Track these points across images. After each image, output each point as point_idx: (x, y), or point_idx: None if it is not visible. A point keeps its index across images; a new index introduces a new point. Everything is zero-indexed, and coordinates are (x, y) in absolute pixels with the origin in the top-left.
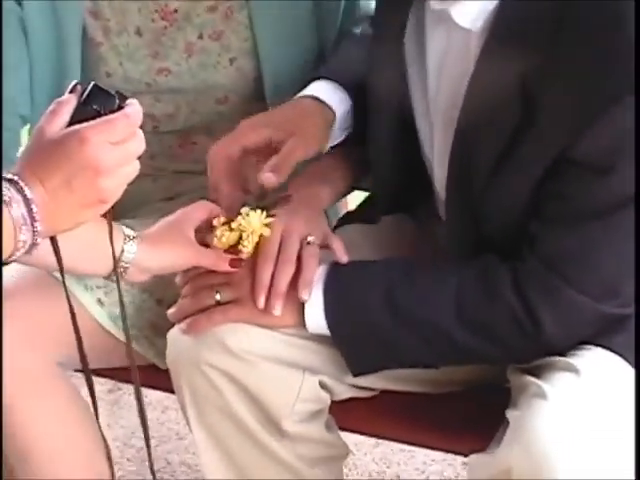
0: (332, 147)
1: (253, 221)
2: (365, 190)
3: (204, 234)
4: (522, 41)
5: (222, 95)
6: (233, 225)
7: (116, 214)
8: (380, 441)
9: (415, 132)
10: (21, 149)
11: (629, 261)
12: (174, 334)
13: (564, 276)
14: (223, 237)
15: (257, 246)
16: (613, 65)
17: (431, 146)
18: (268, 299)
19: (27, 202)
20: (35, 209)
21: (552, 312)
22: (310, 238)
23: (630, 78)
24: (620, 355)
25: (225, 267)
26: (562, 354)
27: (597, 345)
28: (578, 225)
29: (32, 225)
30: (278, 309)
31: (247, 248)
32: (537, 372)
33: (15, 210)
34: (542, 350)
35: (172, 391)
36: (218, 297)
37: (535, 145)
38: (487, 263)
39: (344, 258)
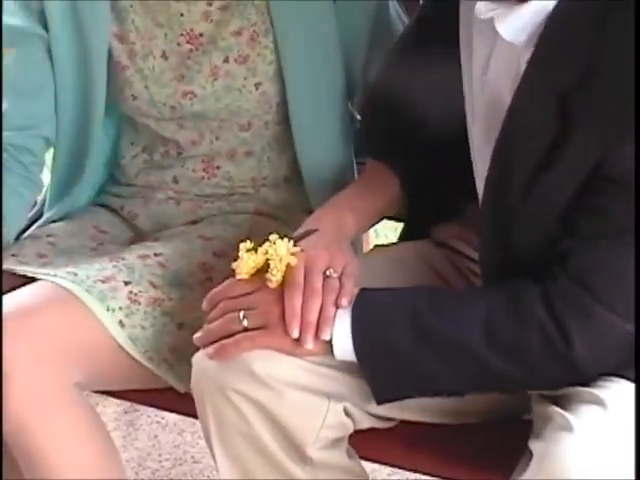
0: (359, 175)
1: (281, 249)
2: (397, 220)
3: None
4: (564, 56)
5: (245, 122)
6: (260, 250)
7: (140, 236)
8: (396, 470)
9: (462, 142)
10: (45, 171)
11: None
12: (199, 358)
13: (596, 294)
14: (250, 261)
15: (283, 275)
16: None
17: (474, 145)
18: (301, 330)
19: None
20: None
21: (584, 331)
22: (329, 271)
23: None
24: None
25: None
26: (588, 384)
27: (623, 377)
28: (609, 242)
29: None
30: (310, 343)
31: (276, 277)
32: (562, 403)
33: None
34: (573, 374)
35: (189, 414)
36: (245, 323)
37: (571, 159)
38: (517, 285)
39: (343, 302)
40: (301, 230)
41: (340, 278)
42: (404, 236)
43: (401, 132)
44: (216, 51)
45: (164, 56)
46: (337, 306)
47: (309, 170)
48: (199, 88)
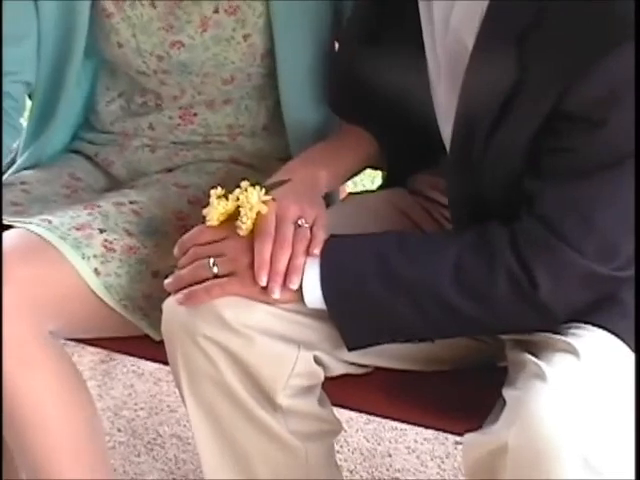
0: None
1: (252, 196)
2: (376, 168)
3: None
4: None
5: (229, 75)
6: (231, 197)
7: (115, 184)
8: (372, 418)
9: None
10: (26, 114)
11: (628, 221)
12: (170, 304)
13: (560, 234)
14: (220, 207)
15: (253, 223)
16: (606, 13)
17: (438, 104)
18: (269, 279)
19: None
20: None
21: (547, 270)
22: (301, 221)
23: (627, 26)
24: (621, 339)
25: None
26: (561, 331)
27: (598, 327)
28: (574, 181)
29: None
30: (277, 292)
31: (246, 224)
32: (536, 351)
33: None
34: (540, 315)
35: (165, 363)
36: (215, 270)
37: (530, 100)
38: (485, 227)
39: (315, 251)
40: (273, 179)
41: (312, 228)
42: (384, 186)
43: (370, 103)
44: (206, 1)
45: (152, 5)
46: (309, 255)
47: (292, 120)
48: (187, 38)
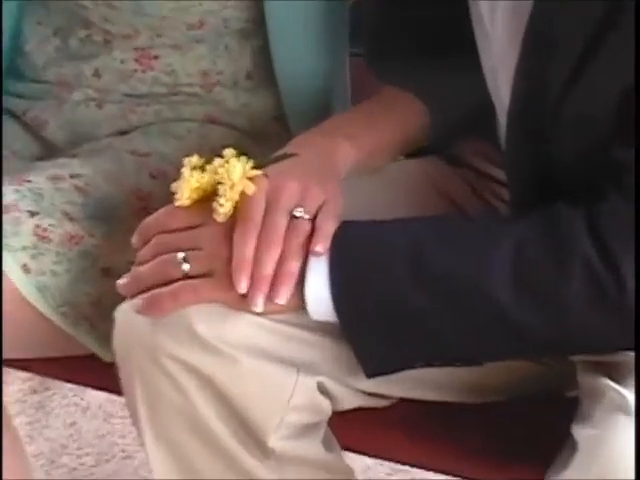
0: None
1: (235, 170)
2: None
3: None
4: None
5: (196, 20)
6: (209, 168)
7: (51, 151)
8: (396, 467)
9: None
10: None
11: None
12: (125, 312)
13: None
14: (193, 180)
15: (236, 206)
16: None
17: (490, 54)
18: (250, 285)
19: None
20: None
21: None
22: (299, 211)
23: None
24: None
25: None
26: None
27: None
28: None
29: None
30: (260, 304)
31: (224, 207)
32: (618, 376)
33: None
34: (627, 326)
35: (118, 393)
36: (186, 267)
37: (622, 40)
38: (555, 210)
39: (318, 248)
40: (275, 155)
41: (316, 218)
42: (413, 153)
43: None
44: None
45: None
46: (310, 254)
47: (284, 62)
48: None
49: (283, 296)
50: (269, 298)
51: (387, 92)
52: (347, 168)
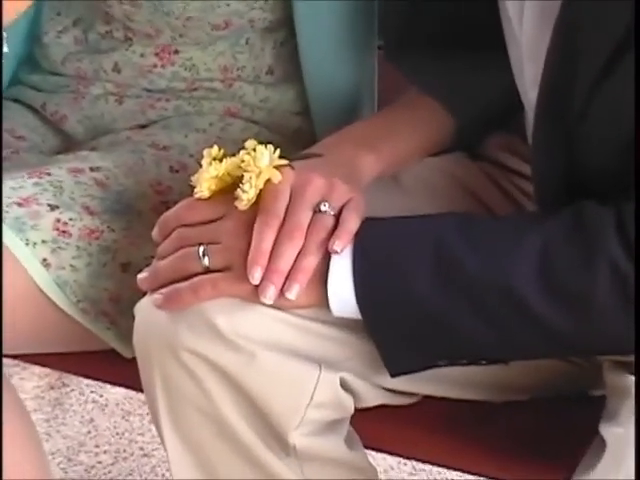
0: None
1: (261, 159)
2: None
3: None
4: None
5: (221, 21)
6: (232, 159)
7: (70, 145)
8: (420, 466)
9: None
10: None
11: None
12: (145, 307)
13: None
14: (212, 170)
15: (260, 195)
16: None
17: (518, 52)
18: (263, 276)
19: None
20: None
21: None
22: (324, 205)
23: None
24: None
25: None
26: None
27: None
28: None
29: None
30: (270, 296)
31: (248, 194)
32: None
33: None
34: None
35: (137, 389)
36: (206, 261)
37: None
38: (583, 207)
39: (337, 245)
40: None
41: (340, 213)
42: None
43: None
44: None
45: None
46: (328, 251)
47: (312, 62)
48: None
49: (294, 291)
50: (281, 291)
51: (410, 97)
52: (369, 179)
